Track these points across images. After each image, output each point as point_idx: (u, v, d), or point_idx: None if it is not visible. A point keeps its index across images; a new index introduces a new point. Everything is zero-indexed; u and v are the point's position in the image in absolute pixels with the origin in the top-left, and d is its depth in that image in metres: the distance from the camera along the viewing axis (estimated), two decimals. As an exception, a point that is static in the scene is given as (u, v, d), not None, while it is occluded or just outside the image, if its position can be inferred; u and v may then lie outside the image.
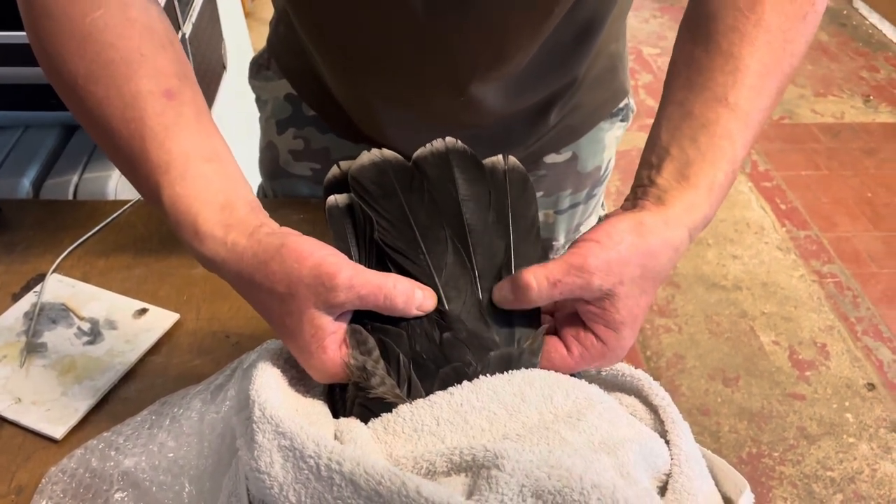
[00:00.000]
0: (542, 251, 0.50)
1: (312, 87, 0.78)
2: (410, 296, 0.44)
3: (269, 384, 0.45)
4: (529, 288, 0.45)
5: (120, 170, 0.51)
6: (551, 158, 0.81)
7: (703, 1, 0.53)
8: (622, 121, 0.83)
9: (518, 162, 0.50)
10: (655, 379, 0.50)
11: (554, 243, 0.88)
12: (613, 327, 0.46)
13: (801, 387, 1.72)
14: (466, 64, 0.63)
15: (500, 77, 0.65)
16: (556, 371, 0.47)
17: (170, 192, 0.46)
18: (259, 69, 0.84)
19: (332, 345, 0.44)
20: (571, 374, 0.49)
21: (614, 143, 0.84)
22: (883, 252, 2.10)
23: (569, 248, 0.46)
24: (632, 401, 0.50)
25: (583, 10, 0.65)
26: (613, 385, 0.51)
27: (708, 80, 0.50)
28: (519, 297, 0.46)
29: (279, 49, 0.81)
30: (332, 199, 0.48)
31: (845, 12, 3.43)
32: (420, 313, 0.45)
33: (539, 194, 0.84)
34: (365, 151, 0.48)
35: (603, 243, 0.44)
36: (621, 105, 0.82)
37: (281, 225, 0.48)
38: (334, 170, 0.49)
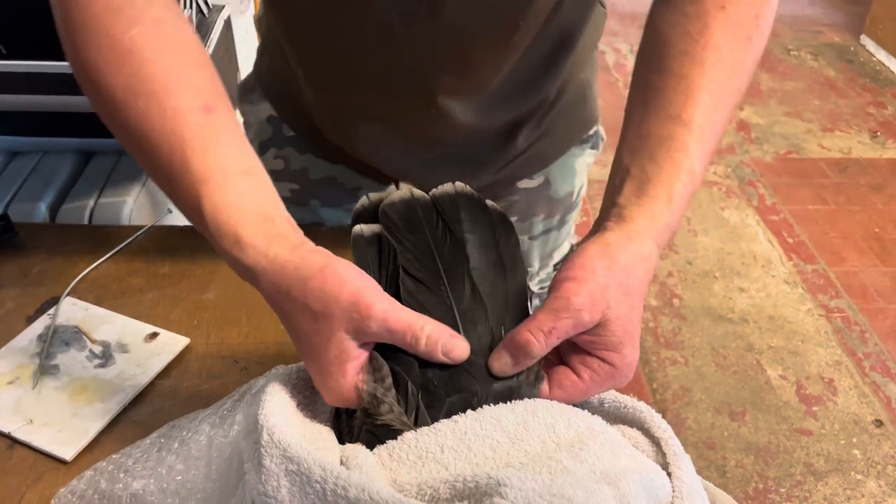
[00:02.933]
0: (521, 288, 0.51)
1: (292, 108, 0.81)
2: (436, 341, 0.45)
3: (277, 409, 0.46)
4: (530, 345, 0.46)
5: (157, 182, 0.53)
6: (524, 184, 0.84)
7: (656, 29, 0.56)
8: (592, 148, 0.86)
9: (494, 204, 0.52)
10: (662, 412, 0.51)
11: (529, 269, 0.89)
12: (614, 348, 0.47)
13: (809, 422, 1.71)
14: (436, 75, 0.65)
15: (469, 90, 0.68)
16: (572, 396, 0.48)
17: (211, 203, 0.48)
18: (245, 93, 0.87)
19: (351, 370, 0.45)
20: (575, 405, 0.50)
21: (585, 170, 0.86)
22: (891, 288, 2.10)
23: (549, 291, 0.48)
24: (634, 433, 0.51)
25: (552, 31, 0.67)
26: (616, 417, 0.52)
27: (662, 100, 0.52)
28: (520, 359, 0.47)
29: (264, 73, 0.84)
30: (357, 228, 0.50)
31: (852, 49, 3.46)
32: (445, 359, 0.46)
33: (514, 219, 0.86)
34: (394, 189, 0.50)
35: (579, 278, 0.46)
36: (591, 132, 0.85)
37: None
38: (363, 201, 0.51)
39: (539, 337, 0.46)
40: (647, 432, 0.50)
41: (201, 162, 0.49)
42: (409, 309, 0.46)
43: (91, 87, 0.52)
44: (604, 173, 0.56)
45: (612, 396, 0.53)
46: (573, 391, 0.48)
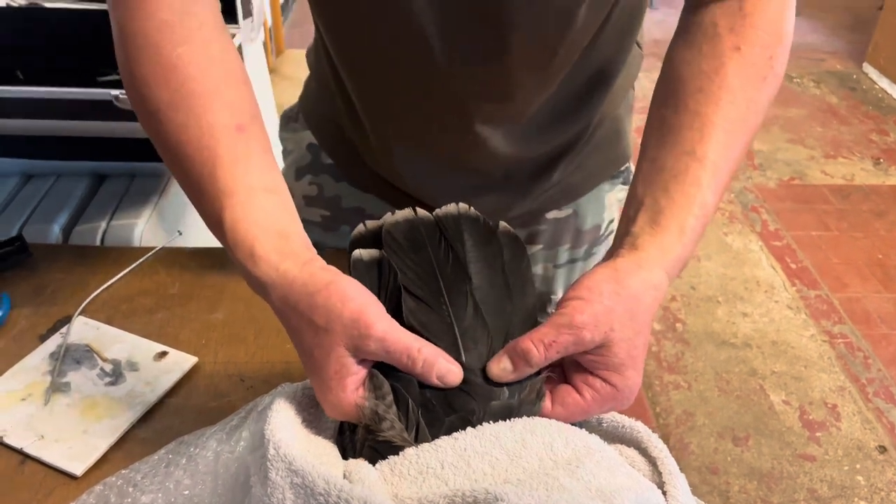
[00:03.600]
0: (530, 310, 0.52)
1: (333, 137, 0.83)
2: (430, 365, 0.47)
3: (283, 425, 0.47)
4: (530, 354, 0.47)
5: (186, 190, 0.55)
6: (553, 214, 0.85)
7: (672, 67, 0.58)
8: (623, 184, 0.87)
9: (507, 226, 0.53)
10: (665, 436, 0.52)
11: (553, 297, 0.91)
12: (616, 370, 0.48)
13: (812, 448, 1.71)
14: (474, 101, 0.67)
15: (505, 118, 0.70)
16: (573, 414, 0.50)
17: (232, 216, 0.50)
18: (288, 122, 0.90)
19: (351, 385, 0.47)
20: (574, 424, 0.51)
21: (616, 206, 0.87)
22: (894, 314, 2.11)
23: (556, 307, 0.49)
24: (631, 452, 0.52)
25: (590, 63, 0.69)
26: (613, 436, 0.53)
27: (678, 136, 0.54)
28: (519, 367, 0.48)
29: (308, 102, 0.87)
30: (356, 253, 0.51)
31: (855, 76, 3.50)
32: (439, 383, 0.47)
33: (539, 247, 0.87)
34: (398, 210, 0.51)
35: (585, 298, 0.47)
36: (622, 168, 0.86)
37: None
38: (360, 228, 0.53)
39: (539, 347, 0.47)
40: (643, 452, 0.52)
41: (228, 177, 0.52)
42: (407, 331, 0.47)
43: (137, 99, 0.55)
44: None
45: (610, 416, 0.54)
46: (574, 409, 0.50)
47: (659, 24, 3.36)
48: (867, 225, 2.47)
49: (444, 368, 0.47)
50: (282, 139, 0.91)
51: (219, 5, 0.59)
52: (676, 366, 1.92)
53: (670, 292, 2.17)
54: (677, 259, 0.52)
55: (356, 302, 0.46)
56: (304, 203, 0.87)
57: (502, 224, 0.53)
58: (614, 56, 0.72)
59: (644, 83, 0.98)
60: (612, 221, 0.89)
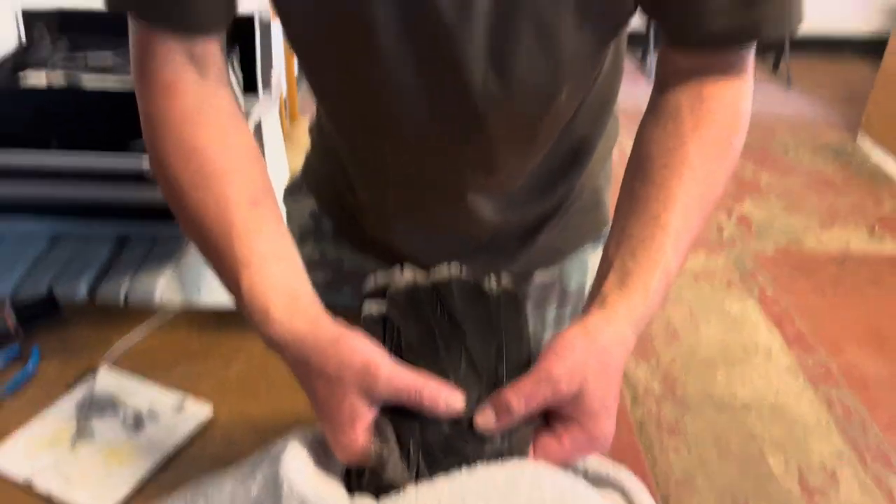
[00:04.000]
0: (525, 360, 0.57)
1: (335, 205, 0.90)
2: (436, 397, 0.52)
3: (296, 465, 0.53)
4: (510, 405, 0.52)
5: (207, 260, 0.61)
6: (539, 275, 0.91)
7: (642, 144, 0.64)
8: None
9: (509, 281, 0.59)
10: (664, 499, 0.57)
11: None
12: (592, 418, 0.53)
13: (812, 513, 1.72)
14: (466, 174, 0.74)
15: (493, 188, 0.76)
16: (555, 460, 0.54)
17: (248, 283, 0.56)
18: (293, 191, 0.97)
19: (361, 428, 0.52)
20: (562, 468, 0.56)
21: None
22: (890, 380, 2.13)
23: (535, 363, 0.54)
24: (616, 496, 0.57)
25: (570, 136, 0.76)
26: (599, 481, 0.58)
27: (645, 206, 0.60)
28: (501, 417, 0.53)
29: (310, 173, 0.93)
30: (367, 308, 0.57)
31: (849, 148, 3.60)
32: (446, 411, 0.52)
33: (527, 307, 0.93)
34: (398, 273, 0.57)
35: (559, 353, 0.53)
36: (603, 232, 0.92)
37: None
38: (371, 283, 0.59)
39: (520, 399, 0.52)
40: (626, 496, 0.56)
41: (244, 248, 0.58)
42: (409, 371, 0.52)
43: (162, 178, 0.62)
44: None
45: (595, 463, 0.59)
46: (554, 456, 0.54)
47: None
48: (863, 292, 2.52)
49: (448, 397, 0.52)
50: (286, 206, 0.98)
51: (233, 92, 0.67)
52: (676, 428, 1.94)
53: (670, 355, 2.21)
54: (642, 317, 0.57)
55: (363, 352, 0.52)
56: (308, 267, 0.93)
57: (504, 280, 0.59)
58: (593, 129, 0.79)
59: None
60: None
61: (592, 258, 0.92)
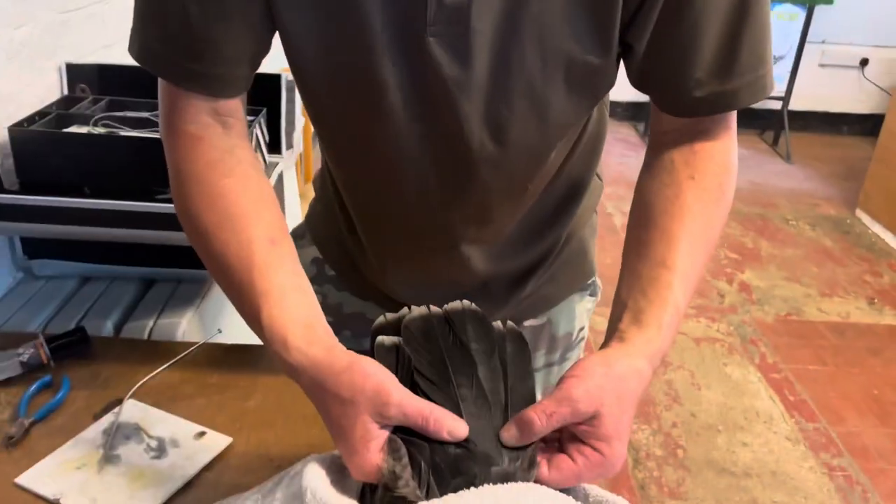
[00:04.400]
0: (531, 391, 0.62)
1: (335, 252, 0.95)
2: (441, 424, 0.56)
3: (317, 477, 0.57)
4: (533, 423, 0.57)
5: (229, 295, 0.67)
6: (529, 322, 0.96)
7: (641, 196, 0.71)
8: (591, 295, 0.99)
9: (513, 325, 0.64)
10: None
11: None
12: (605, 440, 0.57)
13: (813, 580, 1.71)
14: (460, 227, 0.79)
15: (485, 239, 0.82)
16: (567, 479, 0.57)
17: (268, 314, 0.61)
18: (296, 239, 1.02)
19: (374, 448, 0.56)
20: (565, 491, 0.59)
21: (585, 315, 0.99)
22: (891, 449, 2.14)
23: (556, 385, 0.59)
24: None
25: (556, 190, 0.83)
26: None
27: (650, 250, 0.66)
28: (525, 433, 0.57)
29: (314, 222, 0.99)
30: (379, 339, 0.62)
31: (848, 221, 3.67)
32: (449, 438, 0.57)
33: None
34: (415, 307, 0.62)
35: (580, 376, 0.58)
36: (589, 282, 0.98)
37: None
38: (381, 319, 0.63)
39: (542, 418, 0.56)
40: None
41: (264, 282, 0.63)
42: (419, 397, 0.57)
43: (187, 221, 0.68)
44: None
45: (596, 491, 0.63)
46: (568, 474, 0.58)
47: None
48: (863, 361, 2.55)
49: (452, 425, 0.56)
50: None
51: (250, 144, 0.73)
52: (677, 492, 1.95)
53: (671, 419, 2.23)
54: (658, 350, 0.62)
55: (376, 377, 0.56)
56: None
57: (509, 323, 0.64)
58: (577, 184, 0.86)
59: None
60: (582, 329, 1.00)
61: (579, 306, 0.98)
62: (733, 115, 0.72)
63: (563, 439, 0.60)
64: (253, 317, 0.63)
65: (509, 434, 0.58)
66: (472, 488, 0.56)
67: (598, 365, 0.59)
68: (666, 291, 0.64)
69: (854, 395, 2.37)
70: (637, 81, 0.71)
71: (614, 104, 0.82)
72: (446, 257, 0.83)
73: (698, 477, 2.01)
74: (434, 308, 0.62)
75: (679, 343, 2.61)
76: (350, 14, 0.63)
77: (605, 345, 0.64)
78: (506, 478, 0.58)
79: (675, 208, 0.67)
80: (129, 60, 0.71)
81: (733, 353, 2.57)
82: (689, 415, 2.25)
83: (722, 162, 0.70)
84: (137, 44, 0.68)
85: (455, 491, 0.57)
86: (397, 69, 0.65)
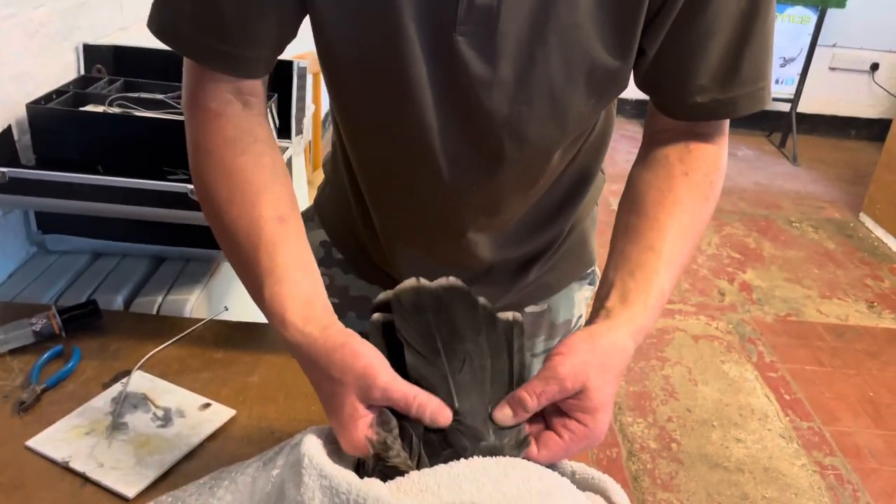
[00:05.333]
0: (520, 369, 0.64)
1: (344, 236, 0.98)
2: (425, 409, 0.59)
3: (315, 446, 0.60)
4: (525, 402, 0.60)
5: (236, 269, 0.69)
6: (530, 308, 0.99)
7: (634, 185, 0.74)
8: (590, 284, 1.02)
9: (514, 313, 0.66)
10: None
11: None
12: (590, 412, 0.60)
13: (799, 574, 1.74)
14: (469, 215, 0.82)
15: (493, 227, 0.85)
16: (556, 454, 0.60)
17: (269, 290, 0.64)
18: (305, 221, 1.05)
19: (361, 426, 0.59)
20: (551, 467, 0.62)
21: (583, 303, 1.02)
22: (883, 450, 2.17)
23: (543, 363, 0.62)
24: (597, 498, 0.64)
25: (563, 185, 0.86)
26: (584, 484, 0.65)
27: (640, 235, 0.69)
28: (518, 412, 0.61)
29: (323, 205, 1.02)
30: (375, 316, 0.65)
31: (852, 224, 3.68)
32: (431, 423, 0.59)
33: None
34: (407, 279, 0.64)
35: (565, 353, 0.61)
36: (589, 271, 1.01)
37: None
38: (381, 296, 0.66)
39: (532, 397, 0.60)
40: (607, 498, 0.63)
41: (268, 259, 0.66)
42: (407, 382, 0.59)
43: (203, 195, 0.71)
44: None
45: (582, 468, 0.66)
46: (556, 449, 0.61)
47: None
48: (860, 364, 2.57)
49: (435, 412, 0.59)
50: None
51: (269, 124, 0.76)
52: (670, 484, 1.98)
53: (667, 413, 2.26)
54: (641, 328, 0.65)
55: (365, 358, 0.59)
56: None
57: (514, 313, 0.66)
58: (583, 178, 0.89)
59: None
60: (580, 316, 1.02)
61: (578, 295, 1.01)
62: (727, 122, 0.75)
63: (546, 413, 0.63)
64: (257, 292, 0.66)
65: (503, 414, 0.61)
66: (462, 459, 0.59)
67: (582, 341, 0.62)
68: (653, 274, 0.67)
69: (849, 396, 2.39)
70: (642, 82, 0.74)
71: (623, 101, 0.85)
72: (454, 243, 0.85)
73: (691, 470, 2.04)
74: (424, 281, 0.64)
75: (677, 339, 2.63)
76: (384, 7, 0.65)
77: (590, 321, 0.67)
78: (493, 452, 0.61)
79: (668, 200, 0.71)
80: (145, 42, 0.74)
81: (731, 350, 2.59)
82: (684, 410, 2.28)
83: (713, 162, 0.74)
84: (159, 21, 0.70)
85: (446, 462, 0.60)
86: (425, 64, 0.68)
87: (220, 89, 0.71)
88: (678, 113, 0.73)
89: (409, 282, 0.64)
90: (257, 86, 0.73)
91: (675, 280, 0.69)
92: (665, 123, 0.75)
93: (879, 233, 3.54)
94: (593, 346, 0.62)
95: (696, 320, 2.75)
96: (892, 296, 3.04)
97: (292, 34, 0.73)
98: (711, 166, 0.73)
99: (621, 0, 0.65)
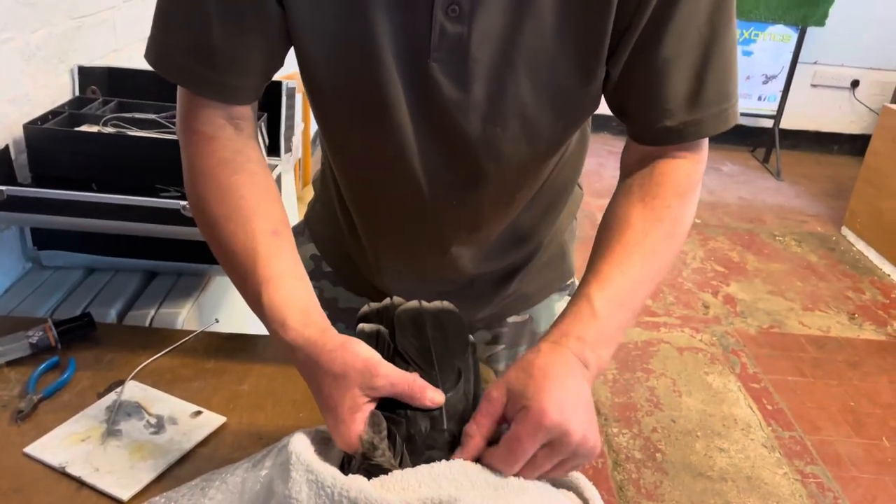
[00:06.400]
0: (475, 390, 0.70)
1: (333, 250, 1.02)
2: (424, 391, 0.64)
3: (303, 444, 0.64)
4: (468, 433, 0.64)
5: (234, 280, 0.73)
6: (512, 318, 1.03)
7: (602, 222, 0.77)
8: (569, 295, 1.06)
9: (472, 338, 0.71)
10: None
11: None
12: (529, 400, 0.61)
13: (781, 580, 1.77)
14: (451, 230, 0.86)
15: (475, 242, 0.89)
16: (512, 449, 0.62)
17: (268, 297, 0.68)
18: (295, 235, 1.09)
19: (359, 419, 0.63)
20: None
21: None
22: (864, 458, 2.21)
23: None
24: (571, 495, 0.68)
25: (541, 200, 0.90)
26: (559, 483, 0.69)
27: (591, 264, 0.73)
28: (468, 445, 0.64)
29: (313, 220, 1.06)
30: (361, 326, 0.69)
31: (834, 238, 3.75)
32: (430, 404, 0.64)
33: (501, 347, 1.05)
34: (407, 301, 0.70)
35: (496, 384, 0.65)
36: (568, 283, 1.06)
37: None
38: (366, 308, 0.71)
39: (471, 425, 0.64)
40: (580, 494, 0.67)
41: (266, 269, 0.71)
42: (404, 371, 0.64)
43: (199, 213, 0.75)
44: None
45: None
46: (510, 442, 0.62)
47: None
48: (841, 374, 2.62)
49: (433, 394, 0.65)
50: None
51: (259, 145, 0.80)
52: (654, 493, 2.01)
53: (651, 424, 2.29)
54: (563, 333, 0.68)
55: (365, 354, 0.64)
56: None
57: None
58: (560, 193, 0.93)
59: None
60: None
61: (558, 305, 1.05)
62: (704, 141, 0.77)
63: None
64: (255, 300, 0.70)
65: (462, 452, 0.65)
66: (444, 461, 0.63)
67: (512, 370, 0.66)
68: (583, 301, 0.70)
69: (830, 406, 2.44)
70: (613, 108, 0.78)
71: (611, 118, 0.89)
72: (438, 257, 0.90)
73: (675, 480, 2.07)
74: (424, 303, 0.70)
75: (662, 351, 2.67)
76: (363, 37, 0.69)
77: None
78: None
79: (621, 224, 0.73)
80: (138, 64, 0.78)
81: (715, 362, 2.64)
82: (669, 420, 2.32)
83: (676, 187, 0.75)
84: (156, 52, 0.75)
85: (428, 462, 0.64)
86: (403, 89, 0.72)
87: (212, 115, 0.75)
88: (649, 138, 0.76)
89: (412, 303, 0.70)
90: (247, 111, 0.77)
91: (621, 295, 0.70)
92: (638, 152, 0.78)
93: (861, 246, 3.61)
94: (516, 364, 0.66)
95: (681, 332, 2.80)
96: (872, 308, 3.10)
97: (279, 63, 0.77)
98: (672, 191, 0.75)
99: (587, 24, 0.69)
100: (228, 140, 0.76)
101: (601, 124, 4.32)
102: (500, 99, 0.72)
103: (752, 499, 2.03)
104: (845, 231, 3.75)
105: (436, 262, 0.91)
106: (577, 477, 0.69)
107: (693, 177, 0.77)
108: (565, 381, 0.64)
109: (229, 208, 0.72)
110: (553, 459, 0.63)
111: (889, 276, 3.37)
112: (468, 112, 0.73)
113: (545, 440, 0.61)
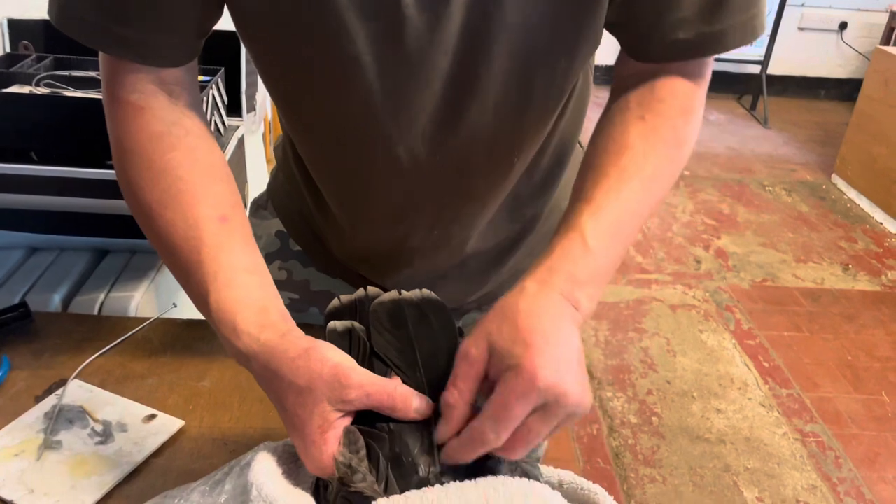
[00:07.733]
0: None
1: (300, 227, 0.89)
2: (407, 400, 0.52)
3: (265, 472, 0.52)
4: (447, 401, 0.53)
5: (177, 278, 0.61)
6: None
7: (592, 139, 0.66)
8: None
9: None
10: None
11: None
12: (517, 359, 0.51)
13: (785, 546, 1.72)
14: (439, 202, 0.74)
15: (465, 217, 0.76)
16: (498, 412, 0.51)
17: (216, 297, 0.56)
18: (257, 209, 0.96)
19: (332, 438, 0.52)
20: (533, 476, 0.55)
21: None
22: (863, 414, 2.15)
23: None
24: (587, 516, 0.57)
25: (536, 171, 0.77)
26: (573, 497, 0.58)
27: (578, 188, 0.63)
28: (449, 418, 0.53)
29: (276, 193, 0.93)
30: (331, 324, 0.57)
31: (824, 186, 3.67)
32: (416, 416, 0.53)
33: None
34: (362, 291, 0.58)
35: (475, 337, 0.54)
36: None
37: None
38: (335, 302, 0.59)
39: (451, 390, 0.52)
40: (598, 512, 0.57)
41: (213, 262, 0.58)
42: (381, 377, 0.53)
43: (131, 199, 0.62)
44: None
45: (570, 478, 0.59)
46: (496, 404, 0.51)
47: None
48: (837, 328, 2.55)
49: (419, 402, 0.53)
50: (252, 225, 0.98)
51: (203, 113, 0.67)
52: (652, 459, 1.94)
53: (646, 386, 2.22)
54: (549, 269, 0.57)
55: (333, 361, 0.52)
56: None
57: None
58: (563, 153, 0.81)
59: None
60: None
61: None
62: (710, 63, 0.66)
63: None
64: (201, 301, 0.59)
65: (440, 433, 0.54)
66: (438, 485, 0.52)
67: (487, 318, 0.55)
68: (574, 235, 0.60)
69: (828, 362, 2.38)
70: (613, 22, 0.64)
71: (595, 68, 0.77)
72: (425, 237, 0.78)
73: (673, 444, 2.00)
74: (404, 292, 0.58)
75: (655, 310, 2.59)
76: None
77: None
78: (474, 471, 0.54)
79: (618, 146, 0.62)
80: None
81: (709, 319, 2.56)
82: (664, 382, 2.24)
83: (680, 105, 0.64)
84: (58, 5, 0.60)
85: (419, 487, 0.53)
86: (359, 18, 0.58)
87: (139, 80, 0.61)
88: (656, 54, 0.64)
89: (390, 294, 0.57)
90: (182, 74, 0.64)
91: (616, 226, 0.60)
92: (633, 68, 0.66)
93: (852, 194, 3.53)
94: (489, 313, 0.55)
95: (673, 290, 2.71)
96: (865, 257, 3.03)
97: (216, 13, 0.63)
98: (676, 109, 0.64)
99: None
100: (161, 110, 0.62)
101: (584, 74, 4.15)
102: (484, 28, 0.59)
103: (751, 461, 1.96)
104: (836, 179, 3.67)
105: (422, 243, 0.78)
106: (595, 490, 0.59)
107: (698, 96, 0.66)
108: (558, 333, 0.53)
109: (165, 193, 0.60)
110: (547, 426, 0.52)
111: (881, 224, 3.30)
112: (444, 45, 0.60)
113: (537, 404, 0.51)
